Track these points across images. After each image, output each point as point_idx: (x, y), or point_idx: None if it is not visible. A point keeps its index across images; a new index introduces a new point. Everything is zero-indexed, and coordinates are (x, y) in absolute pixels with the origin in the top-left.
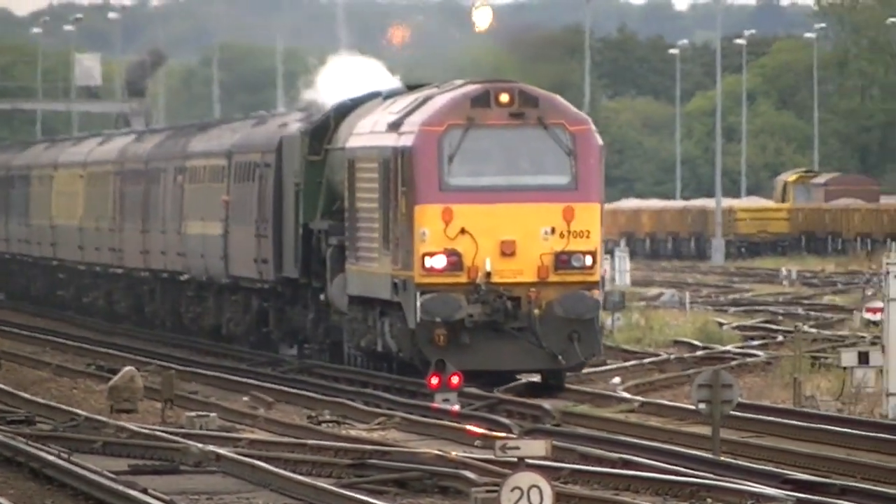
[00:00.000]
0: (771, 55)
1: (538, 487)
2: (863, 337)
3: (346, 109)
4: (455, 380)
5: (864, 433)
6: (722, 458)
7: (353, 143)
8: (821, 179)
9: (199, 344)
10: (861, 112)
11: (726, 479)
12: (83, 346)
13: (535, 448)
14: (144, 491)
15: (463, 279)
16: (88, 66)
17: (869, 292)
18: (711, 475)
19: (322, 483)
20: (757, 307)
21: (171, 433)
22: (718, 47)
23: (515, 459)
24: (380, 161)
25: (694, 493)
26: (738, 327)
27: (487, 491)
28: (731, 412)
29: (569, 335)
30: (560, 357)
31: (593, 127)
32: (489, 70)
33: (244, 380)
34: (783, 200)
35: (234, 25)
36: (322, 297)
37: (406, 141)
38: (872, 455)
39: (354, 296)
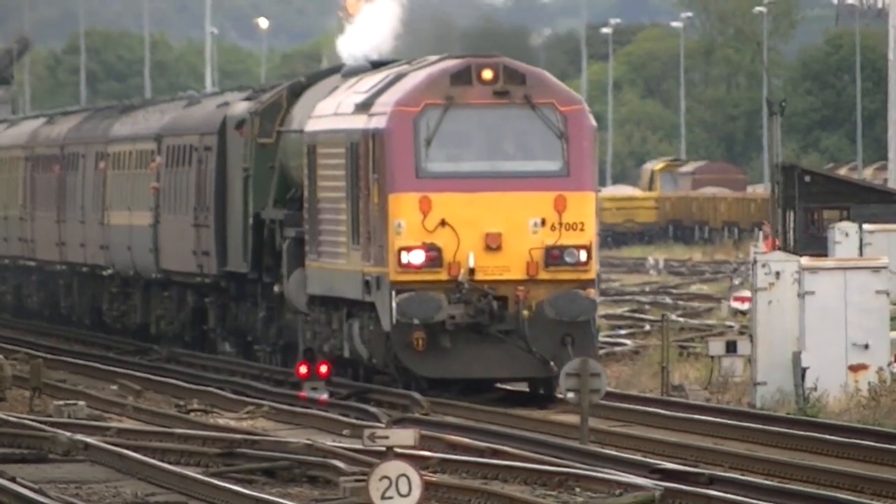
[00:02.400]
0: (636, 43)
1: (407, 476)
2: (730, 326)
3: (300, 88)
4: (323, 369)
5: (731, 422)
6: (590, 448)
7: (314, 125)
8: (688, 168)
9: (67, 333)
10: (727, 101)
11: (595, 468)
12: None
13: (404, 437)
14: (13, 480)
15: (443, 276)
16: None
17: (736, 281)
18: (580, 464)
19: (190, 472)
20: (624, 297)
21: (39, 422)
22: (583, 36)
23: (384, 449)
24: (347, 146)
25: (562, 482)
26: (605, 316)
27: (356, 480)
28: (600, 401)
29: (561, 339)
30: (552, 363)
31: (586, 107)
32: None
33: (112, 368)
34: (650, 189)
35: (101, 12)
36: (276, 288)
37: (377, 123)
38: (740, 444)
39: (316, 295)
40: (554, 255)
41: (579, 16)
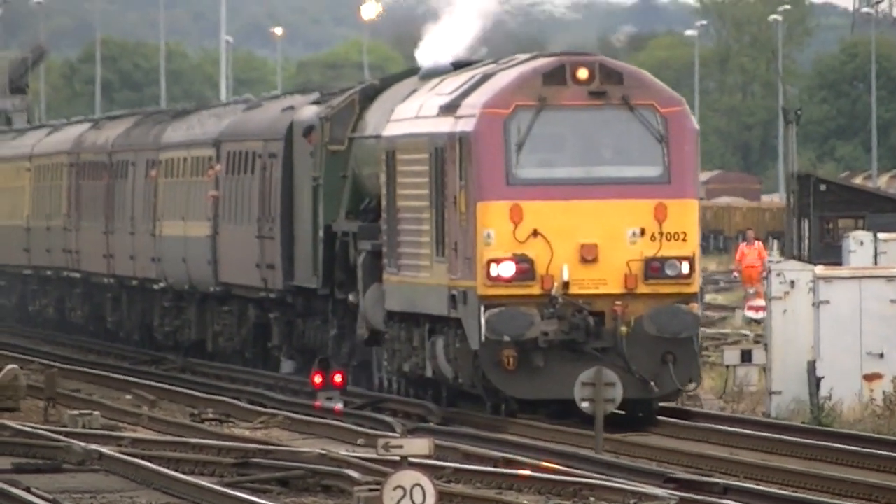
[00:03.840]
0: (649, 51)
1: (421, 486)
2: (745, 335)
3: (373, 92)
4: (338, 378)
5: (746, 432)
6: (605, 457)
7: (393, 130)
8: (703, 177)
9: (82, 342)
10: (742, 109)
11: (609, 477)
12: None
13: (418, 447)
14: (27, 490)
15: (535, 290)
16: None
17: (751, 290)
18: (594, 474)
19: (205, 482)
20: None
21: (53, 432)
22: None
23: (398, 458)
24: (430, 151)
25: (577, 491)
26: None
27: (370, 490)
28: (615, 411)
29: (662, 357)
30: (652, 384)
31: (688, 108)
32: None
33: (127, 378)
34: None
35: (116, 21)
36: (351, 297)
37: (465, 126)
38: (755, 454)
39: (395, 311)
40: (654, 268)
41: (591, 24)
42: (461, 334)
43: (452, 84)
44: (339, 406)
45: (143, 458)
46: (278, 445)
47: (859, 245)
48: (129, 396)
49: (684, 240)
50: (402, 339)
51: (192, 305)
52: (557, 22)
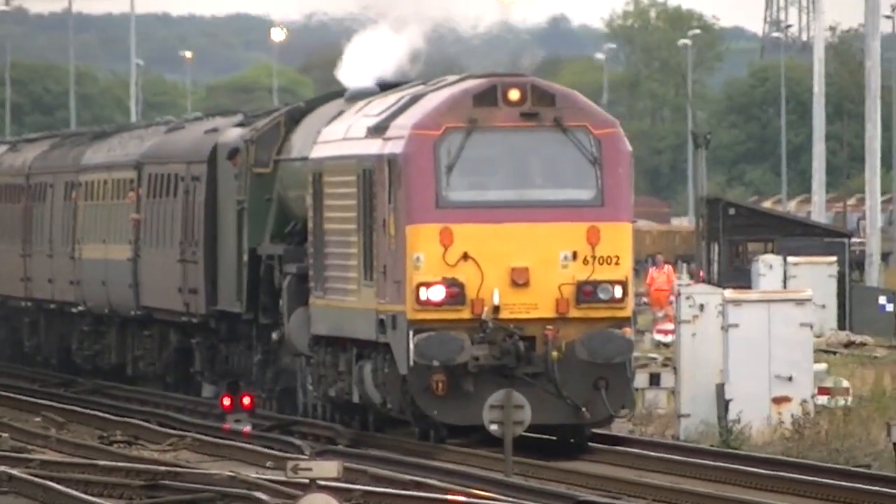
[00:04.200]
0: (559, 76)
1: None
2: (654, 358)
3: (298, 114)
4: (247, 401)
5: (655, 454)
6: (514, 480)
7: (320, 152)
8: None
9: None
10: (652, 134)
11: (519, 500)
12: None
13: (327, 469)
14: None
15: (466, 314)
16: None
17: (659, 314)
18: (504, 496)
19: None
20: None
21: None
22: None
23: (307, 481)
24: (358, 172)
25: None
26: None
27: None
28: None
29: (594, 383)
30: (583, 410)
31: (621, 130)
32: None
33: (36, 400)
34: None
35: (26, 45)
36: (275, 335)
37: (394, 148)
38: (664, 476)
39: (322, 335)
40: (586, 291)
41: (503, 48)
42: (389, 359)
43: (380, 105)
44: (247, 428)
45: (52, 479)
46: (187, 467)
47: (769, 268)
48: (38, 418)
49: (617, 263)
50: (328, 364)
51: (112, 329)
52: (468, 45)
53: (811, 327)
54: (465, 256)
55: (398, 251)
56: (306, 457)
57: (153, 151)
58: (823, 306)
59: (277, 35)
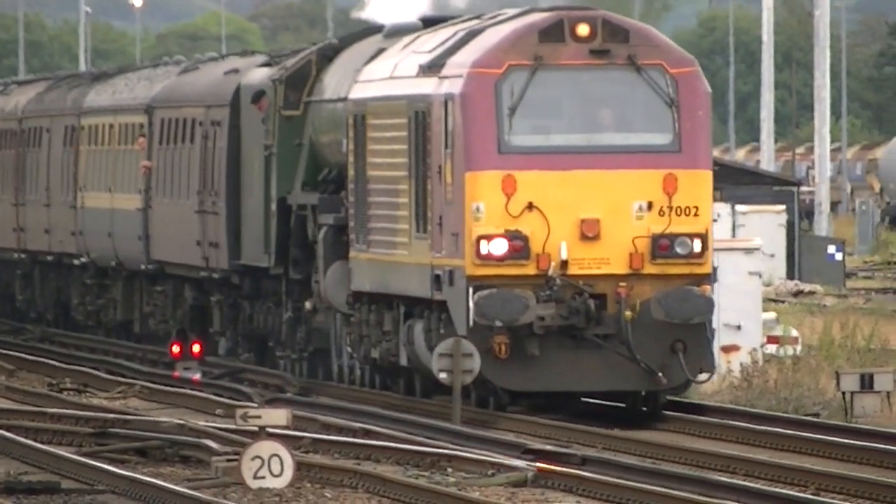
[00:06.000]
0: None
1: (279, 456)
2: None
3: (331, 52)
4: (196, 348)
5: (604, 403)
6: (463, 428)
7: (362, 92)
8: None
9: None
10: None
11: (467, 448)
12: None
13: (276, 417)
14: None
15: (530, 270)
16: None
17: None
18: (452, 445)
19: (63, 451)
20: None
21: None
22: None
23: (256, 429)
24: (409, 115)
25: (434, 462)
26: None
27: (228, 460)
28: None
29: (671, 345)
30: (660, 375)
31: (699, 69)
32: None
33: None
34: None
35: None
36: (308, 304)
37: (451, 87)
38: (613, 425)
39: (364, 292)
40: (663, 246)
41: None
42: (445, 318)
43: (432, 41)
44: (197, 376)
45: (1, 427)
46: (136, 415)
47: (717, 217)
48: None
49: (696, 215)
50: (371, 323)
51: (119, 283)
52: None
53: (760, 276)
54: (530, 206)
55: (456, 200)
56: (256, 405)
57: (165, 94)
58: (772, 255)
59: None
